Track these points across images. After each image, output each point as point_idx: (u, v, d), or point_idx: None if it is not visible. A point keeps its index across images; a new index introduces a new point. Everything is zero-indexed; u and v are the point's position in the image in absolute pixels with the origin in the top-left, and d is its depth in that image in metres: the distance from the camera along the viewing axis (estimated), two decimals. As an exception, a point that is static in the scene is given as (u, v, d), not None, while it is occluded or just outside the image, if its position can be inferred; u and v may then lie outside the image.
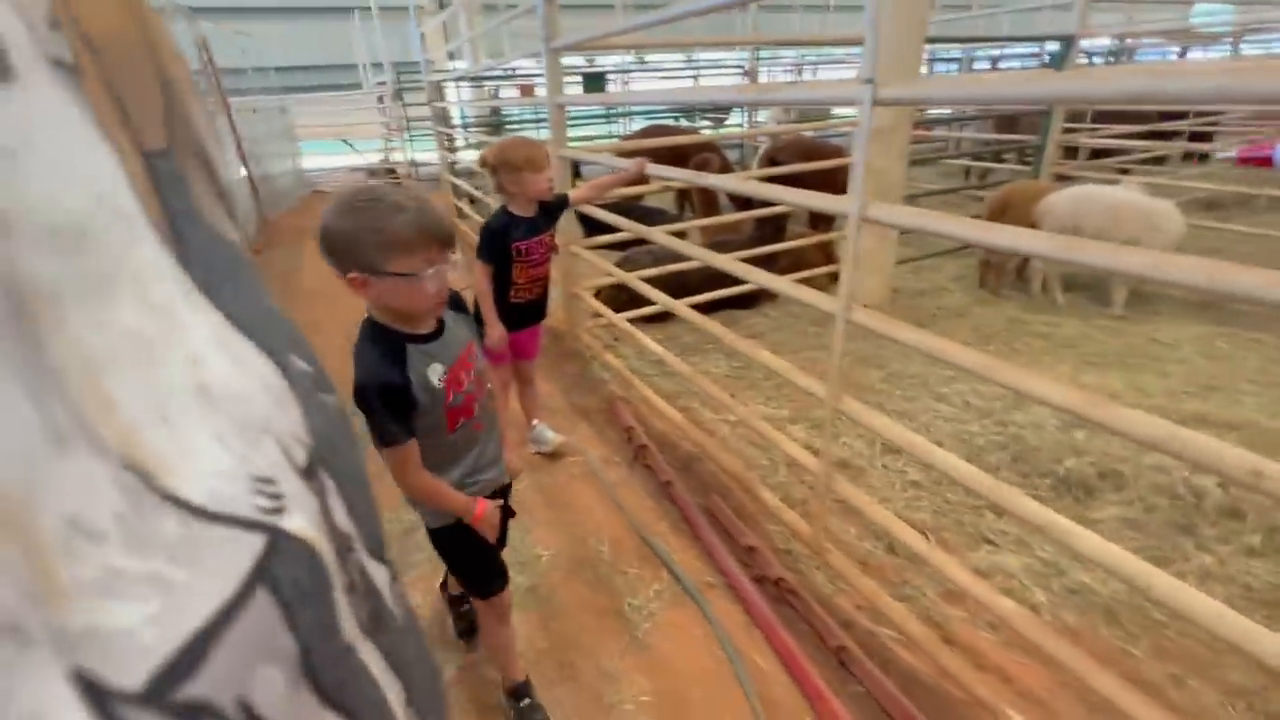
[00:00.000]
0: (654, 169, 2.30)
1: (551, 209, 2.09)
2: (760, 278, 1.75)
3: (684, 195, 6.17)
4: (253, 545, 0.19)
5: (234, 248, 0.27)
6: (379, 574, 0.29)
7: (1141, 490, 2.05)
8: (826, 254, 4.31)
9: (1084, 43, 4.92)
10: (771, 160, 4.65)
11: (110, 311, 0.17)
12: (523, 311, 2.16)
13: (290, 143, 9.33)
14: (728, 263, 1.95)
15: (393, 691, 0.27)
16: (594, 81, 8.38)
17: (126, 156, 0.19)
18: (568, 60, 10.55)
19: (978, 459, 2.33)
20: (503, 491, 1.33)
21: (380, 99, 10.64)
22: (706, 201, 5.37)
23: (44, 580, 0.14)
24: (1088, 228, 3.54)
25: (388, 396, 1.03)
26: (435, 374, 1.09)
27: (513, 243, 1.97)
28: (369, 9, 10.67)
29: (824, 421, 1.51)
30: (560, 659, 1.55)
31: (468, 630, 1.62)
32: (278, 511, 0.21)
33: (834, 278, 4.17)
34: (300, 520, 0.22)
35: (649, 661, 1.54)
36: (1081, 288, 3.96)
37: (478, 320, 1.99)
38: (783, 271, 3.98)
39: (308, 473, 0.23)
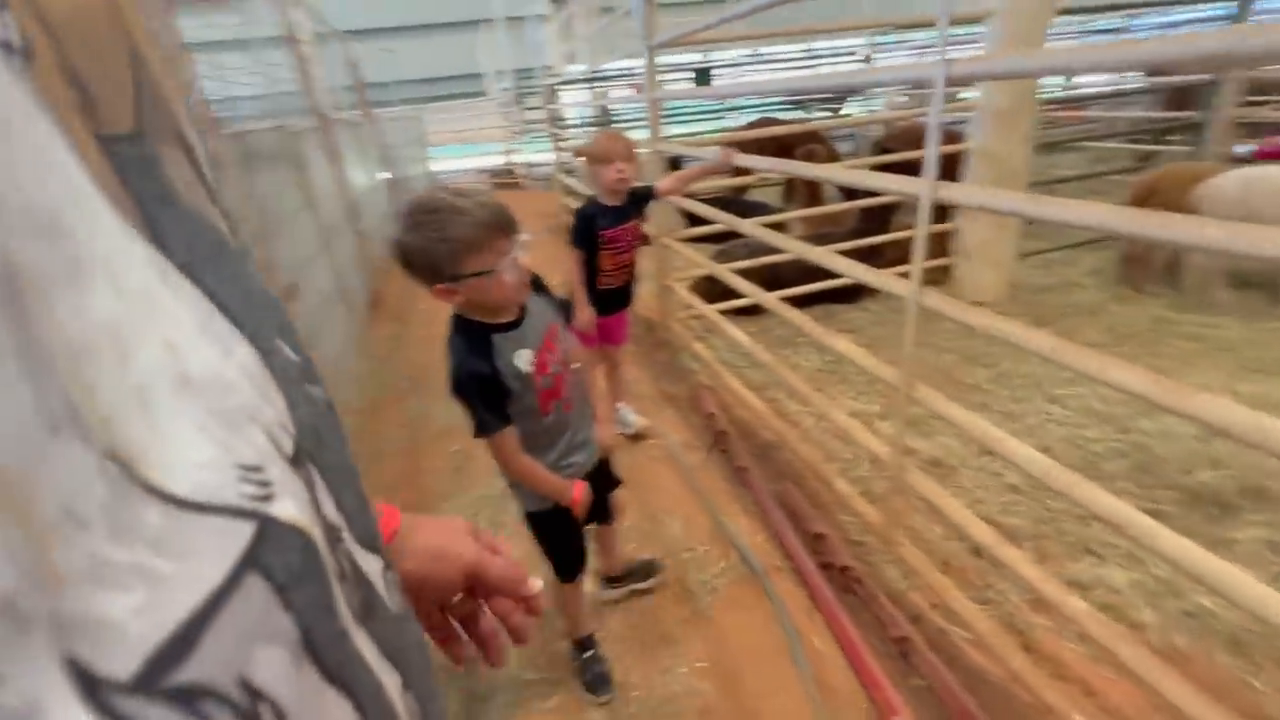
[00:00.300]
0: (743, 159, 2.32)
1: (639, 199, 2.19)
2: (833, 262, 1.72)
3: (789, 188, 6.05)
4: (241, 533, 0.19)
5: (216, 230, 0.26)
6: (370, 564, 0.29)
7: (1293, 511, 1.79)
8: (939, 246, 4.06)
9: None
10: (883, 149, 4.45)
11: (87, 298, 0.17)
12: (611, 297, 2.27)
13: (422, 148, 10.21)
14: (813, 253, 1.93)
15: (388, 678, 0.27)
16: (704, 77, 8.40)
17: (80, 142, 0.19)
18: (680, 58, 10.64)
19: (1091, 467, 2.13)
20: (595, 471, 1.35)
21: (502, 105, 11.35)
22: (809, 193, 5.24)
23: (41, 565, 0.14)
24: (1266, 213, 3.06)
25: (479, 386, 1.09)
26: (523, 360, 1.12)
27: (599, 230, 2.09)
28: (497, 20, 11.40)
29: (916, 418, 1.47)
30: (625, 620, 1.65)
31: (599, 681, 1.47)
32: (266, 499, 0.21)
33: (946, 271, 3.93)
34: (290, 506, 0.22)
35: (709, 633, 1.59)
36: (1252, 286, 3.44)
37: (569, 305, 2.13)
38: (888, 264, 3.82)
39: (295, 461, 0.23)
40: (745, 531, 1.92)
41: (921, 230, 1.30)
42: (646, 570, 1.73)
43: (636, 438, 2.51)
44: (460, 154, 12.01)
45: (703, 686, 1.46)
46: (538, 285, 1.22)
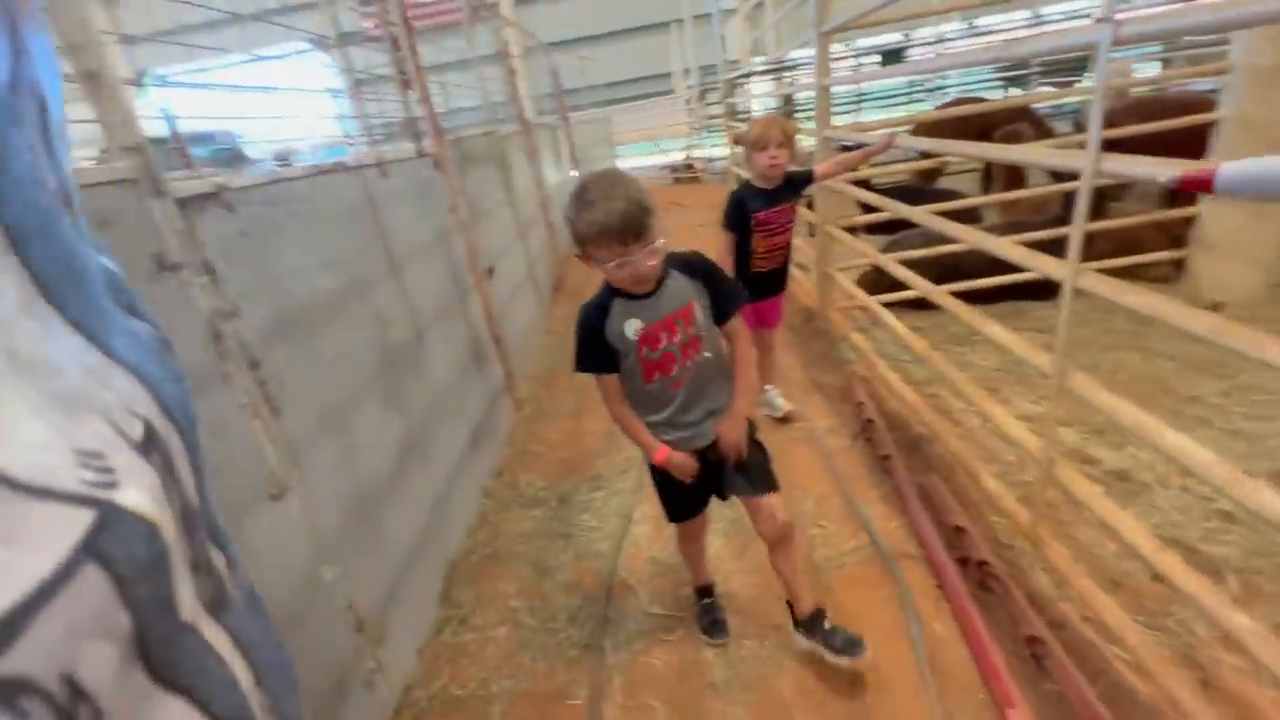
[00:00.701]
0: (908, 141, 2.24)
1: (796, 183, 2.23)
2: (999, 249, 1.61)
3: (987, 174, 5.48)
4: (80, 520, 0.18)
5: (49, 198, 0.24)
6: (218, 558, 0.28)
7: None
8: (1172, 237, 3.45)
9: None
10: (1108, 125, 3.87)
11: None
12: (764, 281, 2.34)
13: (610, 147, 10.95)
14: (986, 241, 1.76)
15: (242, 671, 0.27)
16: (893, 58, 7.88)
17: None
18: (874, 40, 10.04)
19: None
20: (715, 459, 1.35)
21: (687, 101, 11.70)
22: (1008, 178, 4.72)
23: None
24: None
25: (583, 333, 1.27)
26: (631, 328, 1.23)
27: (751, 212, 2.17)
28: (685, 19, 11.75)
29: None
30: (746, 580, 1.75)
31: (714, 627, 1.60)
32: (109, 486, 0.19)
33: (1178, 265, 3.34)
34: (136, 495, 0.20)
35: (828, 604, 1.63)
36: None
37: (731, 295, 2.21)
38: (1097, 257, 3.35)
39: (146, 446, 0.22)
40: (879, 517, 1.90)
41: (1082, 206, 1.21)
42: (848, 644, 1.40)
43: (783, 420, 2.56)
44: (646, 151, 12.63)
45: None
46: (694, 268, 1.28)
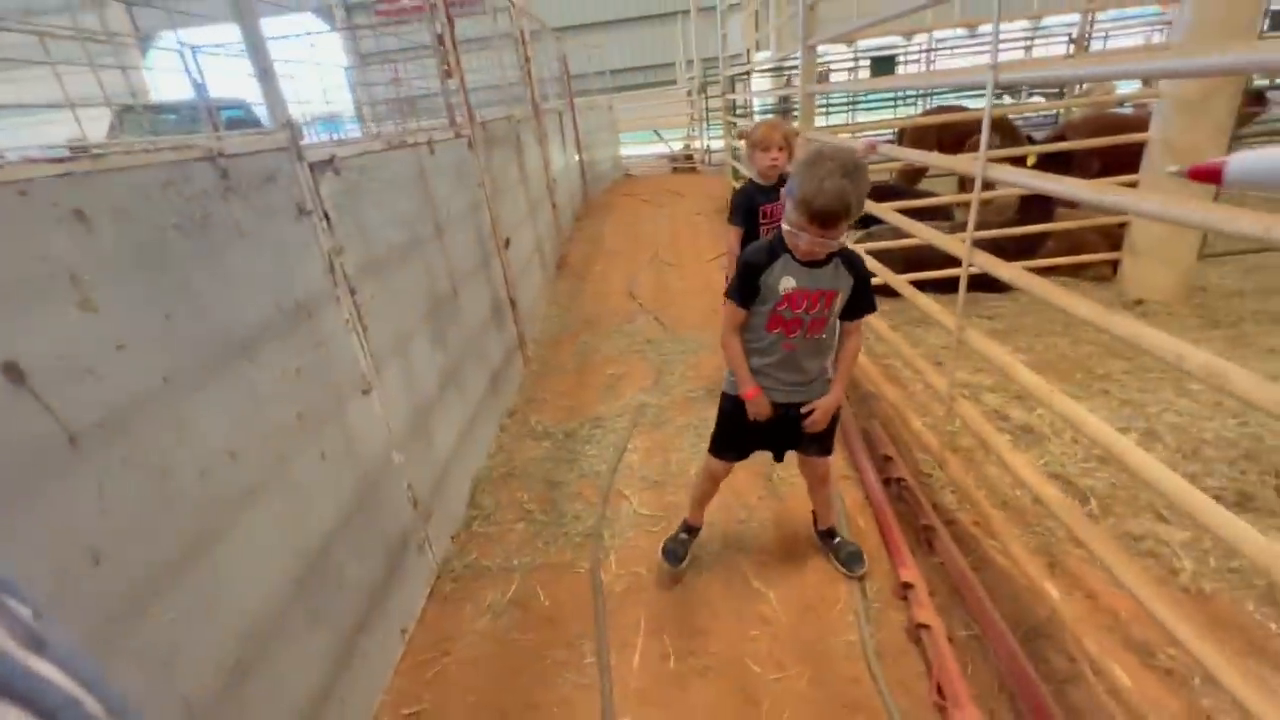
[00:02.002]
0: (890, 150, 2.63)
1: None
2: (918, 232, 2.01)
3: (963, 178, 5.93)
4: None
5: None
6: (20, 609, 0.27)
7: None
8: (1110, 240, 3.92)
9: None
10: (1060, 137, 4.33)
11: None
12: None
13: (613, 134, 11.25)
14: (930, 236, 2.12)
15: (86, 697, 0.26)
16: (883, 64, 8.27)
17: None
18: (867, 42, 10.42)
19: (1193, 453, 2.20)
20: (793, 420, 1.58)
21: (688, 93, 12.02)
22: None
23: None
24: None
25: (744, 267, 1.45)
26: (785, 283, 1.40)
27: (759, 206, 2.42)
28: (691, 10, 12.05)
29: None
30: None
31: (670, 553, 1.83)
32: None
33: (1114, 266, 3.81)
34: None
35: (779, 507, 2.08)
36: None
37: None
38: (1049, 255, 3.83)
39: None
40: (828, 452, 2.35)
41: (974, 200, 1.62)
42: (850, 558, 1.75)
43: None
44: (647, 139, 12.94)
45: (768, 525, 1.97)
46: (856, 269, 1.45)
